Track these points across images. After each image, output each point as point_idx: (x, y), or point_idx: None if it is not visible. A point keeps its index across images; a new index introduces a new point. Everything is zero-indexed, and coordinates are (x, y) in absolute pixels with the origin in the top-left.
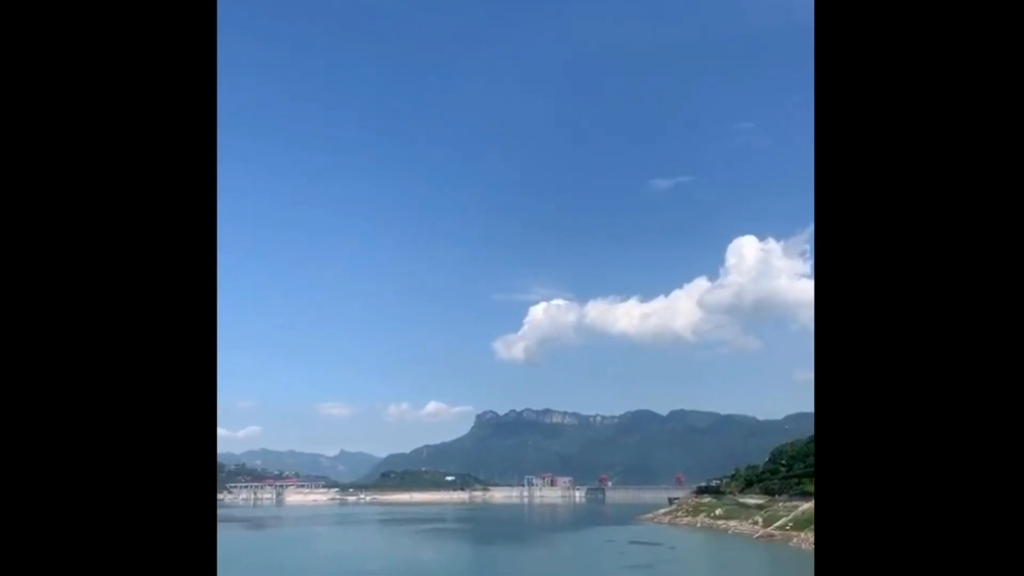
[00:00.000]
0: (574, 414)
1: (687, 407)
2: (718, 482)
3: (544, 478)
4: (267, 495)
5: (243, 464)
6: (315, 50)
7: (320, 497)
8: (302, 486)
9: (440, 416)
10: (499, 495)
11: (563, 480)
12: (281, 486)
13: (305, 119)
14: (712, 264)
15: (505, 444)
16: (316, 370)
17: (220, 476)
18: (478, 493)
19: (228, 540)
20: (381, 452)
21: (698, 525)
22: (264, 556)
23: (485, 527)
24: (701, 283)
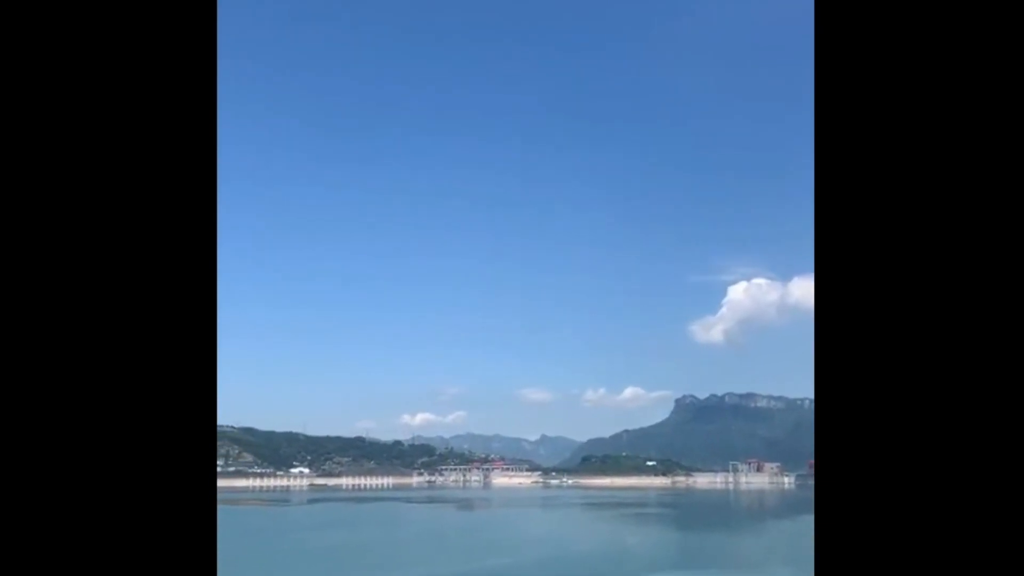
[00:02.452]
0: (780, 398)
1: None
2: None
3: (750, 464)
4: (475, 477)
5: (452, 448)
6: (487, 31)
7: (524, 480)
8: (507, 469)
9: (638, 401)
10: (702, 480)
11: (770, 466)
12: (488, 469)
13: (490, 105)
14: None
15: (706, 429)
16: (517, 357)
17: (431, 459)
18: (680, 478)
19: (442, 520)
20: (580, 437)
21: None
22: (477, 536)
23: (690, 513)
24: None
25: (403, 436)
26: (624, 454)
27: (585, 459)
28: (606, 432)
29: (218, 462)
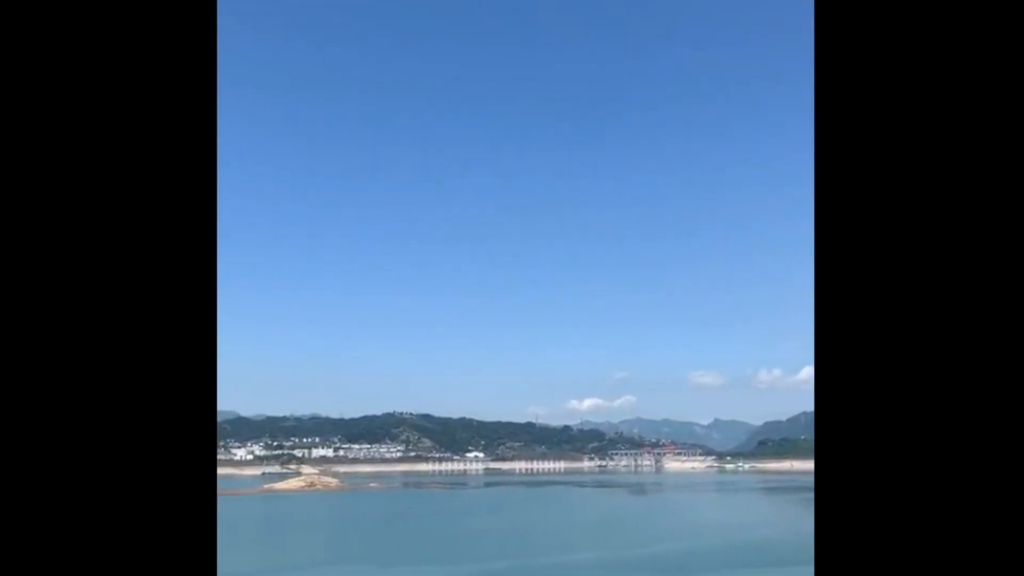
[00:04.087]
0: None
1: None
2: None
3: None
4: (646, 462)
5: (621, 432)
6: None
7: (698, 465)
8: (680, 453)
9: None
10: None
11: None
12: (660, 453)
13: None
14: None
15: None
16: (685, 340)
17: (601, 444)
18: None
19: (615, 504)
20: (755, 420)
21: None
22: (652, 520)
23: None
24: None
25: (571, 421)
26: (803, 437)
27: (762, 443)
28: (783, 415)
29: (399, 447)
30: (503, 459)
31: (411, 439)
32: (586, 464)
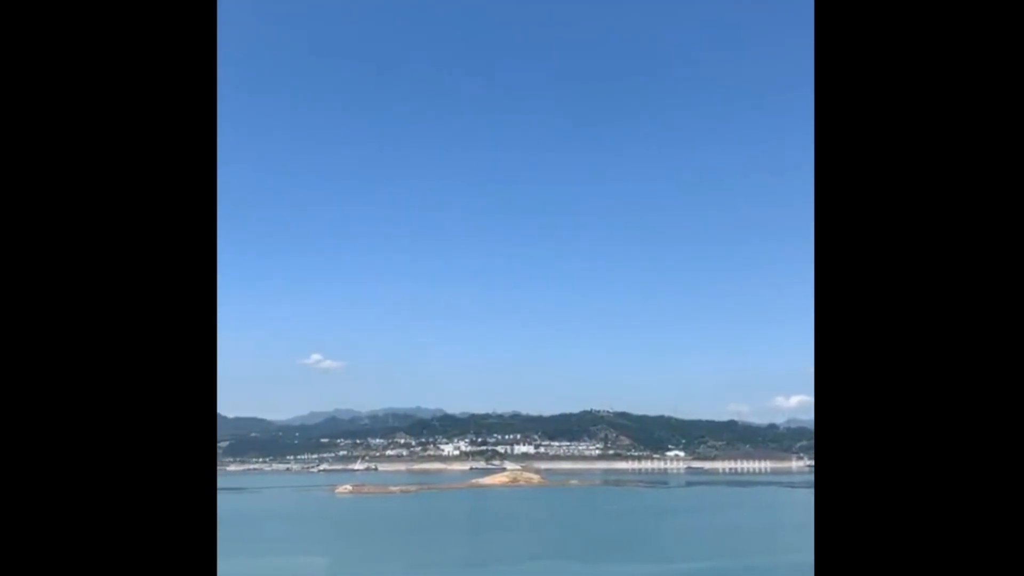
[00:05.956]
0: None
1: None
2: None
3: None
4: None
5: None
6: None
7: None
8: None
9: None
10: None
11: None
12: None
13: None
14: None
15: None
16: None
17: (809, 442)
18: None
19: (794, 503)
20: None
21: None
22: None
23: None
24: None
25: (777, 419)
26: None
27: None
28: None
29: (598, 445)
30: (704, 458)
31: (609, 437)
32: (794, 464)
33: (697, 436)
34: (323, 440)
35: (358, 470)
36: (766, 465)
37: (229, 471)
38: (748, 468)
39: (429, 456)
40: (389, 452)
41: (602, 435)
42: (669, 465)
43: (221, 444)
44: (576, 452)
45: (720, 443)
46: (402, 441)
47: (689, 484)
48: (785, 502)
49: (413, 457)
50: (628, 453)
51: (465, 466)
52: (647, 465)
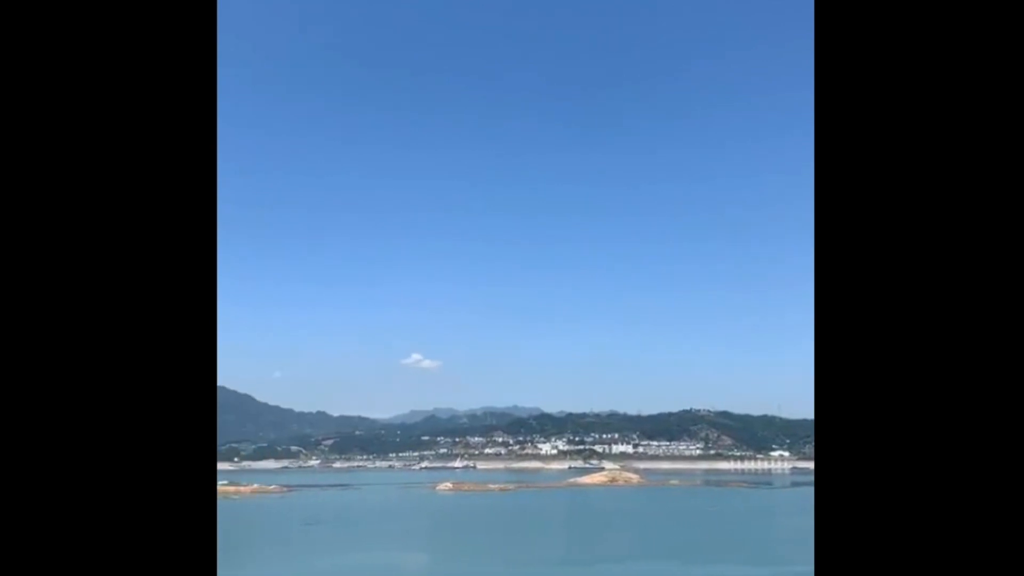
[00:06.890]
0: None
1: None
2: None
3: None
4: None
5: None
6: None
7: None
8: None
9: None
10: None
11: None
12: None
13: None
14: None
15: None
16: None
17: None
18: None
19: None
20: None
21: None
22: None
23: None
24: None
25: None
26: None
27: None
28: None
29: (698, 444)
30: (811, 458)
31: (710, 436)
32: None
33: (803, 436)
34: (423, 438)
35: (457, 468)
36: None
37: (335, 468)
38: None
39: (527, 455)
40: (487, 450)
41: (703, 435)
42: (773, 465)
43: (327, 442)
44: (676, 452)
45: None
46: (500, 440)
47: (795, 485)
48: None
49: (511, 456)
50: (730, 453)
51: (563, 465)
52: (750, 465)
